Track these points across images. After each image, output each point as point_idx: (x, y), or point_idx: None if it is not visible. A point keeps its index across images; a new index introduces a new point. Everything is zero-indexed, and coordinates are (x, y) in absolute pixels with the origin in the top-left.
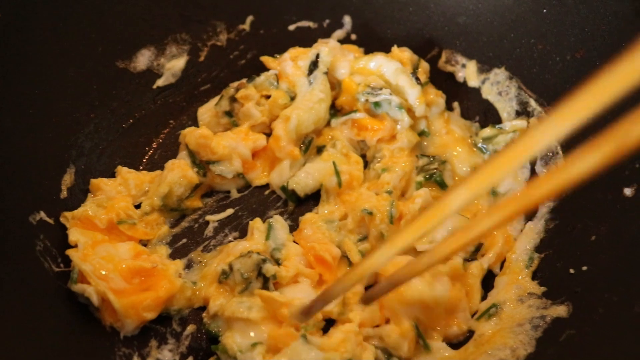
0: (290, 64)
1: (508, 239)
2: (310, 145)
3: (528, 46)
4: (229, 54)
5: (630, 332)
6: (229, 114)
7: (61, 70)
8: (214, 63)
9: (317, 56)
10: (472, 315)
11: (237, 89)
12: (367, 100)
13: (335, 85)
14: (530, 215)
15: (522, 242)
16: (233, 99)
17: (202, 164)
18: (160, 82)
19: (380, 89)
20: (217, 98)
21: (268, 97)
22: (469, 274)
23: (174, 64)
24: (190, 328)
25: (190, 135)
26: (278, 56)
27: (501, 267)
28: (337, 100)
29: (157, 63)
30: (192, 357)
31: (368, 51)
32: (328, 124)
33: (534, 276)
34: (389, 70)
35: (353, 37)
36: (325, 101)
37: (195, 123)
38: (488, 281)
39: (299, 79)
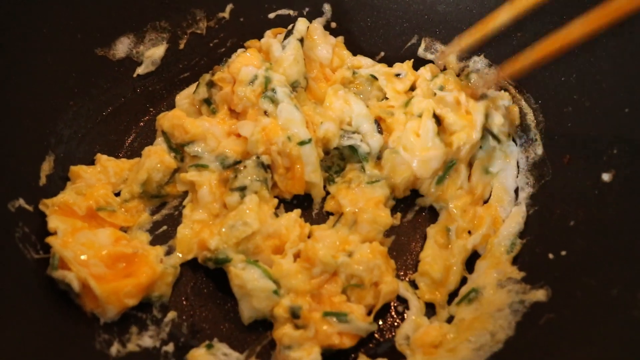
0: (270, 38)
1: (496, 220)
2: None
3: (507, 33)
4: (209, 42)
5: (608, 315)
6: (208, 101)
7: (39, 57)
8: (194, 51)
9: (293, 26)
10: (452, 299)
11: (213, 74)
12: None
13: (315, 67)
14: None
15: (506, 226)
16: (210, 84)
17: (178, 148)
18: (140, 70)
19: (353, 132)
20: (195, 85)
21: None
22: (449, 253)
23: (154, 52)
24: (171, 314)
25: (163, 118)
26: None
27: None
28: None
29: (136, 51)
30: (173, 344)
31: (348, 40)
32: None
33: (514, 261)
34: (354, 112)
35: (333, 25)
36: (297, 65)
37: None
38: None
39: (272, 46)
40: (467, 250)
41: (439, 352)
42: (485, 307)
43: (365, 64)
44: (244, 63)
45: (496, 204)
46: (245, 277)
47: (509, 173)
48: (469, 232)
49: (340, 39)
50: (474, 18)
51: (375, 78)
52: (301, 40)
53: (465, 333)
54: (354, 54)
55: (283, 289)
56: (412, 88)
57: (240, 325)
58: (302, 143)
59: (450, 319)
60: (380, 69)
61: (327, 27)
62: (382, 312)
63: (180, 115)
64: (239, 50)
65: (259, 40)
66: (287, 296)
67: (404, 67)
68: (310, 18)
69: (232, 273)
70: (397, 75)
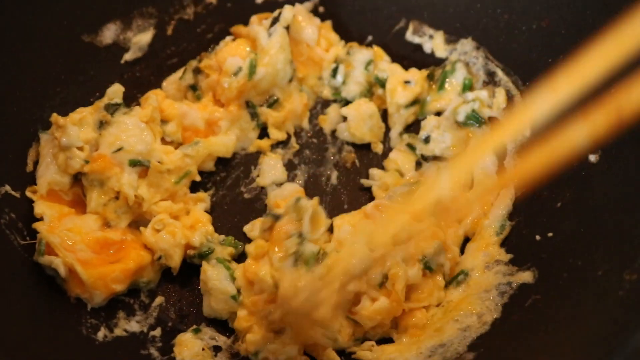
0: (256, 25)
1: (485, 205)
2: (274, 103)
3: (494, 16)
4: (196, 28)
5: (594, 296)
6: (194, 87)
7: (26, 43)
8: (182, 37)
9: (280, 13)
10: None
11: (200, 60)
12: None
13: (303, 50)
14: None
15: (496, 208)
16: (197, 71)
17: None
18: (127, 57)
19: None
20: (181, 70)
21: None
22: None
23: (141, 38)
24: (159, 300)
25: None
26: None
27: None
28: None
29: (123, 37)
30: (160, 329)
31: (336, 24)
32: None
33: (502, 243)
34: None
35: (321, 9)
36: (283, 53)
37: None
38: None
39: (258, 33)
40: (459, 236)
41: (426, 333)
42: (473, 288)
43: (386, 59)
44: (231, 53)
45: (480, 189)
46: (210, 274)
47: (487, 158)
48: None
49: (328, 23)
50: (460, 0)
51: (382, 86)
52: (287, 28)
53: (451, 313)
54: (342, 38)
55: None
56: (416, 101)
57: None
58: None
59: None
60: (395, 69)
61: (315, 11)
62: None
63: (159, 92)
64: (227, 38)
65: (245, 25)
66: (243, 310)
67: (417, 77)
68: (299, 2)
69: (202, 266)
70: (407, 82)
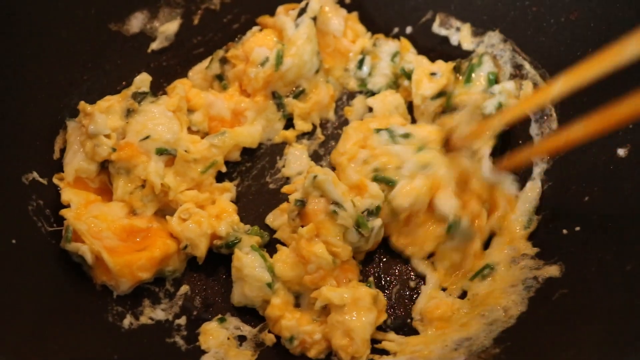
0: (283, 15)
1: (510, 201)
2: (301, 94)
3: (522, 8)
4: (223, 18)
5: (622, 290)
6: (220, 77)
7: (54, 32)
8: (208, 26)
9: (307, 4)
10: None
11: (227, 50)
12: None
13: (330, 41)
14: (526, 176)
15: (522, 202)
16: (224, 60)
17: None
18: (154, 46)
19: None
20: (208, 60)
21: None
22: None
23: (168, 27)
24: (184, 288)
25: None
26: None
27: None
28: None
29: (150, 26)
30: (185, 317)
31: (362, 16)
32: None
33: (529, 237)
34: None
35: (347, 0)
36: (310, 44)
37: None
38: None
39: (285, 24)
40: (484, 232)
41: (452, 327)
42: (499, 282)
43: (412, 51)
44: (258, 43)
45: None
46: (245, 261)
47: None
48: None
49: (355, 14)
50: None
51: (408, 77)
52: (314, 19)
53: (478, 308)
54: (368, 30)
55: (278, 283)
56: (442, 93)
57: None
58: None
59: (463, 295)
60: (421, 60)
61: (341, 2)
62: (395, 286)
63: (186, 82)
64: (254, 29)
65: (271, 16)
66: (278, 294)
67: (443, 69)
68: None
69: (235, 254)
70: (433, 74)
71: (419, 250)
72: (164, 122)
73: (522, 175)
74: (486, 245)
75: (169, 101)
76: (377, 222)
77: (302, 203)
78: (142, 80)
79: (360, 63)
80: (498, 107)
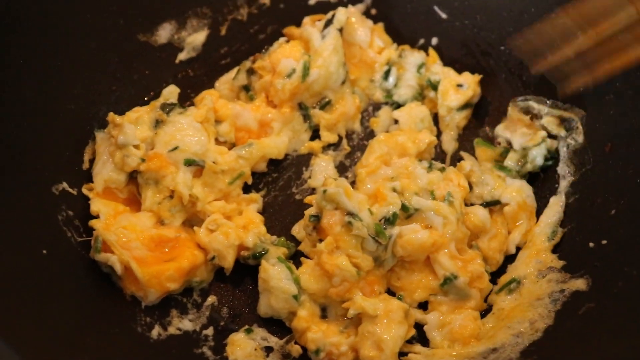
0: (309, 26)
1: (531, 214)
2: (327, 105)
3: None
4: (250, 28)
5: None
6: (247, 88)
7: (83, 42)
8: (235, 37)
9: (333, 16)
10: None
11: (254, 61)
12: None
13: (356, 52)
14: (553, 190)
15: (547, 215)
16: (250, 71)
17: None
18: (181, 56)
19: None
20: (234, 70)
21: None
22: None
23: (195, 38)
24: (211, 299)
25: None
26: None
27: None
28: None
29: (177, 37)
30: (212, 328)
31: (387, 27)
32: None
33: (554, 250)
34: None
35: (373, 11)
36: (336, 55)
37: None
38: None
39: (312, 35)
40: (509, 251)
41: (479, 341)
42: (525, 297)
43: (439, 62)
44: (285, 55)
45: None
46: (272, 273)
47: None
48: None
49: (381, 25)
50: (515, 4)
51: (435, 88)
52: (340, 30)
53: (504, 321)
54: (394, 41)
55: (304, 295)
56: (467, 105)
57: None
58: None
59: (486, 310)
60: (448, 72)
61: (367, 13)
62: None
63: (213, 92)
64: (281, 40)
65: (298, 26)
66: (304, 306)
67: (469, 81)
68: (350, 4)
69: (262, 265)
70: (459, 85)
71: (409, 297)
72: (193, 134)
73: (549, 189)
74: (512, 258)
75: (196, 112)
76: (394, 230)
77: (316, 218)
78: (171, 92)
79: (386, 74)
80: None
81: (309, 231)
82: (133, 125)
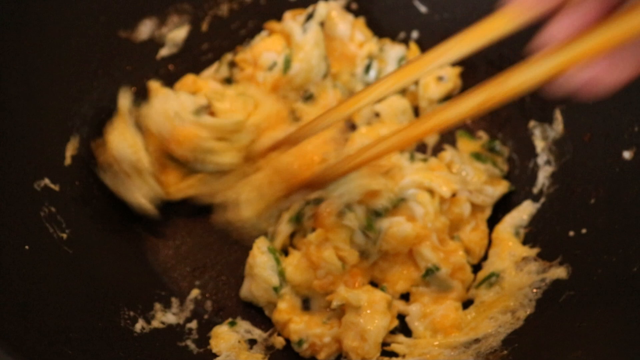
0: (290, 20)
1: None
2: (309, 99)
3: None
4: (231, 24)
5: (628, 292)
6: (229, 80)
7: (63, 39)
8: (216, 33)
9: (314, 10)
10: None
11: (235, 53)
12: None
13: (337, 46)
14: (532, 182)
15: (512, 216)
16: (232, 64)
17: None
18: (163, 52)
19: None
20: (216, 64)
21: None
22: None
23: (176, 34)
24: (195, 292)
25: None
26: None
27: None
28: None
29: (158, 33)
30: (196, 321)
31: (368, 20)
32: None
33: (534, 239)
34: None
35: (354, 5)
36: (318, 49)
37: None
38: None
39: (293, 29)
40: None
41: (461, 331)
42: (507, 289)
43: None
44: (266, 48)
45: None
46: (258, 260)
47: None
48: None
49: (362, 19)
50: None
51: (415, 82)
52: (322, 24)
53: (486, 312)
54: (375, 34)
55: (286, 288)
56: (448, 97)
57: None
58: None
59: (468, 303)
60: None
61: (348, 8)
62: None
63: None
64: (263, 33)
65: (279, 21)
66: (284, 299)
67: (450, 73)
68: None
69: (253, 249)
70: (440, 78)
71: (391, 288)
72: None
73: (527, 181)
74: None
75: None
76: (384, 224)
77: (318, 202)
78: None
79: (367, 68)
80: None
81: (308, 216)
82: (121, 141)
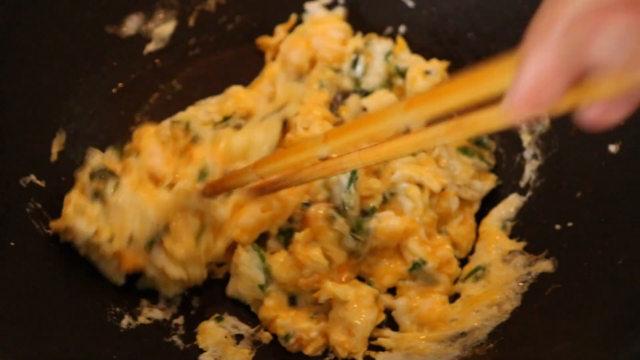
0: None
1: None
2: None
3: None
4: (218, 19)
5: (613, 285)
6: None
7: (50, 34)
8: (203, 28)
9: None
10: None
11: None
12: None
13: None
14: (518, 175)
15: (498, 209)
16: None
17: None
18: (150, 47)
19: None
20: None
21: None
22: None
23: (163, 29)
24: None
25: None
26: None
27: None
28: None
29: (145, 28)
30: (183, 317)
31: (355, 16)
32: None
33: (521, 233)
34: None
35: (341, 0)
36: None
37: (185, 88)
38: None
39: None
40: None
41: (447, 325)
42: (493, 283)
43: (407, 50)
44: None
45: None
46: (243, 259)
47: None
48: None
49: (341, 12)
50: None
51: (403, 76)
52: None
53: (472, 305)
54: (361, 29)
55: (272, 285)
56: None
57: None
58: None
59: (455, 297)
60: (416, 60)
61: (335, 2)
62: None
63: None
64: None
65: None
66: (270, 296)
67: (437, 67)
68: None
69: (237, 248)
70: (427, 72)
71: (378, 282)
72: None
73: (514, 175)
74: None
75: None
76: (372, 224)
77: (307, 206)
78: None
79: (354, 62)
80: None
81: (297, 220)
82: (81, 218)
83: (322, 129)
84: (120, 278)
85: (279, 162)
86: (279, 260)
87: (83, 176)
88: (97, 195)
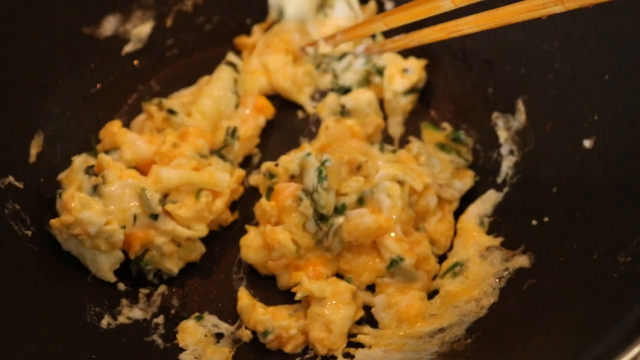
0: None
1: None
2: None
3: None
4: (195, 19)
5: (588, 278)
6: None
7: (28, 36)
8: (181, 28)
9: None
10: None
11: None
12: None
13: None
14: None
15: (476, 205)
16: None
17: None
18: (127, 48)
19: None
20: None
21: None
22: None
23: (140, 30)
24: (162, 288)
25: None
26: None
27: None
28: None
29: (123, 29)
30: (163, 316)
31: None
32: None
33: (498, 229)
34: None
35: None
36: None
37: (163, 89)
38: None
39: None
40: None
41: (426, 321)
42: (471, 279)
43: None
44: None
45: None
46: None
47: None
48: None
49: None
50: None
51: (380, 73)
52: None
53: (450, 301)
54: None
55: None
56: (413, 89)
57: (231, 299)
58: None
59: (434, 293)
60: (394, 58)
61: None
62: None
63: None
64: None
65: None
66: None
67: (415, 65)
68: None
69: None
70: (405, 70)
71: (357, 279)
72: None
73: (491, 171)
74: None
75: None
76: (338, 220)
77: (274, 177)
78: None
79: (342, 56)
80: None
81: (264, 188)
82: (88, 211)
83: None
84: (111, 275)
85: (405, 11)
86: (248, 242)
87: (76, 174)
88: (95, 189)
